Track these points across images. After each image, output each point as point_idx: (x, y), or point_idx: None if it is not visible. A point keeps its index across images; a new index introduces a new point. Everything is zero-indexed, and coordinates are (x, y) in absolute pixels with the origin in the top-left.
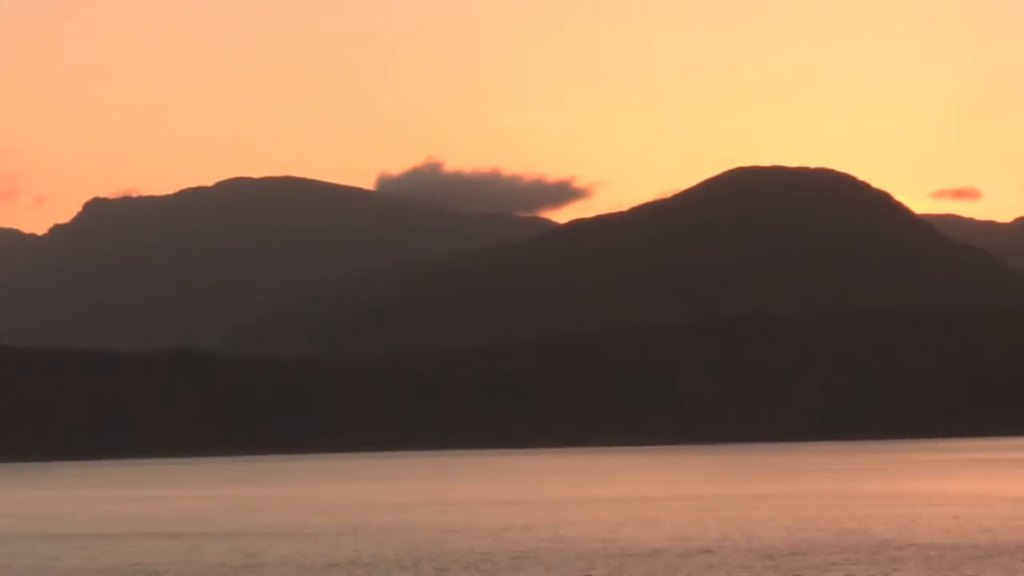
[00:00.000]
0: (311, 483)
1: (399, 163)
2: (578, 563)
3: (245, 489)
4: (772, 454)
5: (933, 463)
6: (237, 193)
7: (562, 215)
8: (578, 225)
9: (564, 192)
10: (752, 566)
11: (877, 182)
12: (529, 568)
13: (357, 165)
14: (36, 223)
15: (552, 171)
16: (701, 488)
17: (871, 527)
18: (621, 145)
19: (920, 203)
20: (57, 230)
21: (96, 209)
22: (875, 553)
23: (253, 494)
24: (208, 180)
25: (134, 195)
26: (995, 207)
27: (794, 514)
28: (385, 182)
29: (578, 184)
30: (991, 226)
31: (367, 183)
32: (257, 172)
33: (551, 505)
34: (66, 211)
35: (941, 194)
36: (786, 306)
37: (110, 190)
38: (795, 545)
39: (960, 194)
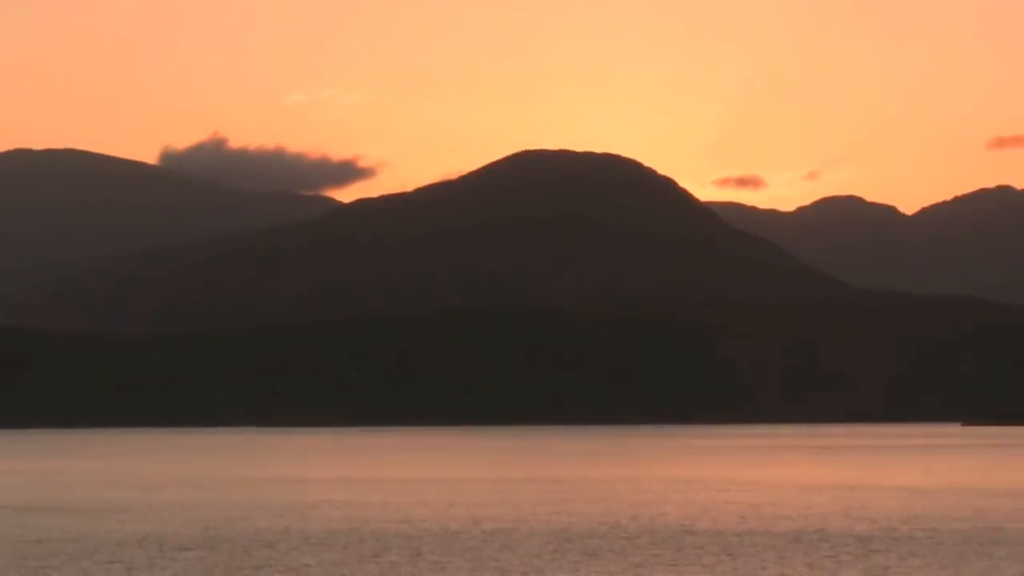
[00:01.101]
0: (115, 456)
1: (183, 138)
2: (374, 544)
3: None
4: (565, 437)
5: (719, 449)
6: (18, 164)
7: (346, 194)
8: (362, 205)
9: (349, 171)
10: (553, 548)
11: (662, 168)
12: (326, 548)
13: (140, 139)
14: None
15: (337, 150)
16: (496, 471)
17: (667, 512)
18: (407, 126)
19: (704, 190)
20: None
21: None
22: (675, 537)
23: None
24: None
25: None
26: (778, 196)
27: (586, 497)
28: (169, 157)
29: (363, 164)
30: (774, 214)
31: (150, 157)
32: (39, 144)
33: (340, 484)
34: None
35: (725, 181)
36: (566, 293)
37: None
38: (594, 528)
39: (743, 182)
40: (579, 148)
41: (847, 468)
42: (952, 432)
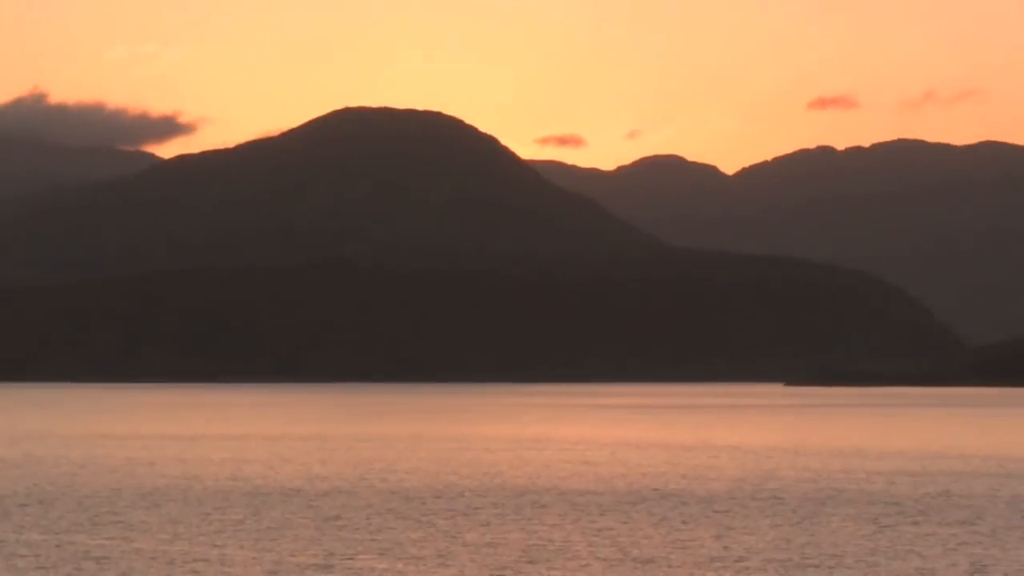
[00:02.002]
0: None
1: (2, 92)
2: (213, 500)
3: None
4: (389, 394)
5: (545, 407)
6: None
7: (167, 150)
8: (182, 161)
9: (169, 127)
10: (394, 508)
11: (484, 126)
12: (164, 505)
13: None
14: None
15: (157, 105)
16: (326, 427)
17: (506, 471)
18: (229, 81)
19: (526, 148)
20: None
21: None
22: (516, 497)
23: None
24: None
25: None
26: (599, 154)
27: (424, 455)
28: None
29: (183, 119)
30: (594, 173)
31: None
32: None
33: (169, 441)
34: None
35: (546, 140)
36: (386, 250)
37: None
38: (436, 487)
39: (564, 140)
40: (401, 105)
41: (677, 427)
42: (775, 392)
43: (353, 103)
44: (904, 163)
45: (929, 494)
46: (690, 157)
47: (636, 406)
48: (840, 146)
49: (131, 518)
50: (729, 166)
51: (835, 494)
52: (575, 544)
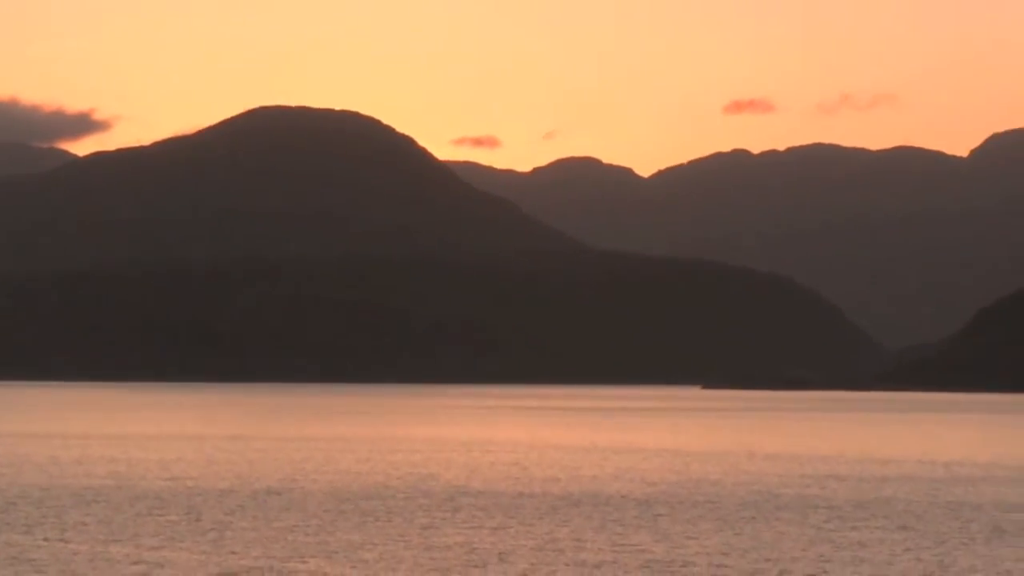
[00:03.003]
0: None
1: None
2: (146, 501)
3: None
4: (300, 395)
5: (462, 409)
6: None
7: (81, 147)
8: (97, 158)
9: (84, 124)
10: (330, 510)
11: (401, 127)
12: (100, 505)
13: None
14: None
15: (72, 102)
16: (253, 428)
17: (437, 473)
18: (144, 79)
19: (442, 149)
20: None
21: None
22: (452, 499)
23: None
24: None
25: None
26: (515, 156)
27: (353, 457)
28: None
29: (98, 116)
30: (511, 175)
31: None
32: None
33: (98, 440)
34: None
35: (462, 141)
36: (281, 249)
37: None
38: (371, 489)
39: (480, 142)
40: (318, 105)
41: (602, 430)
42: (693, 395)
43: (269, 102)
44: (819, 166)
45: (865, 499)
46: (606, 159)
47: (558, 408)
48: (755, 149)
49: (65, 519)
50: (645, 169)
51: (771, 498)
52: (520, 548)
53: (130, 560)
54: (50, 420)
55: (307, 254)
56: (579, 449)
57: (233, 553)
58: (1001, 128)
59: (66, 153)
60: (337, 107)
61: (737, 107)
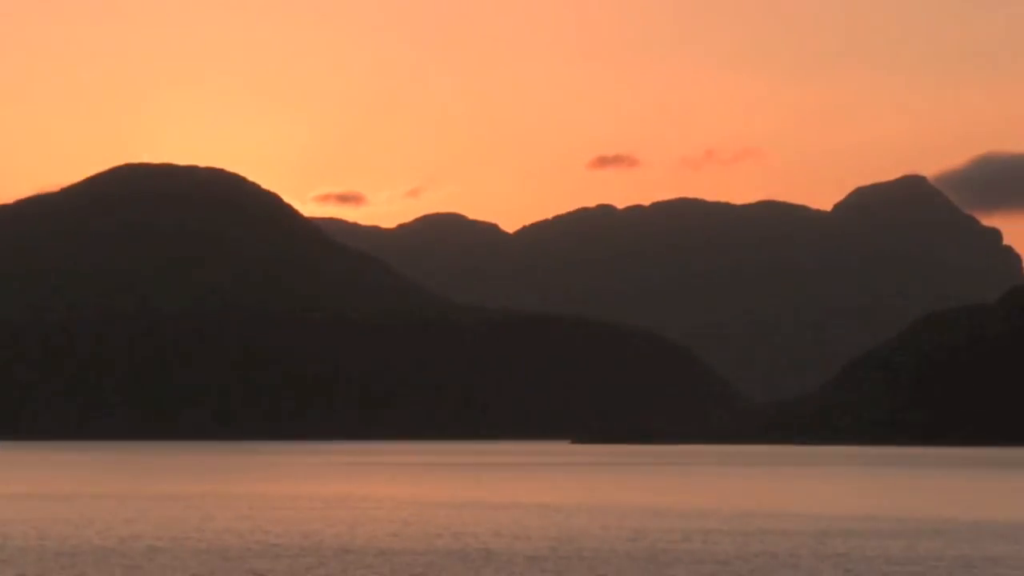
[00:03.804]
0: None
1: None
2: (24, 560)
3: None
4: (178, 453)
5: (337, 465)
6: None
7: None
8: None
9: None
10: (216, 569)
11: (266, 183)
12: None
13: None
14: None
15: None
16: (124, 487)
17: (320, 530)
18: (4, 135)
19: (306, 206)
20: None
21: None
22: (338, 556)
23: None
24: None
25: None
26: (379, 213)
27: (232, 515)
28: None
29: None
30: (376, 231)
31: None
32: None
33: None
34: None
35: (326, 197)
36: (149, 306)
37: None
38: (254, 547)
39: (345, 198)
40: (182, 162)
41: (477, 485)
42: (563, 450)
43: (133, 159)
44: (684, 221)
45: (751, 552)
46: (471, 215)
47: (430, 464)
48: (620, 203)
49: None
50: (510, 224)
51: (658, 553)
52: None
53: None
54: None
55: (171, 309)
56: (457, 505)
57: None
58: (866, 182)
59: None
60: (202, 164)
61: (602, 162)
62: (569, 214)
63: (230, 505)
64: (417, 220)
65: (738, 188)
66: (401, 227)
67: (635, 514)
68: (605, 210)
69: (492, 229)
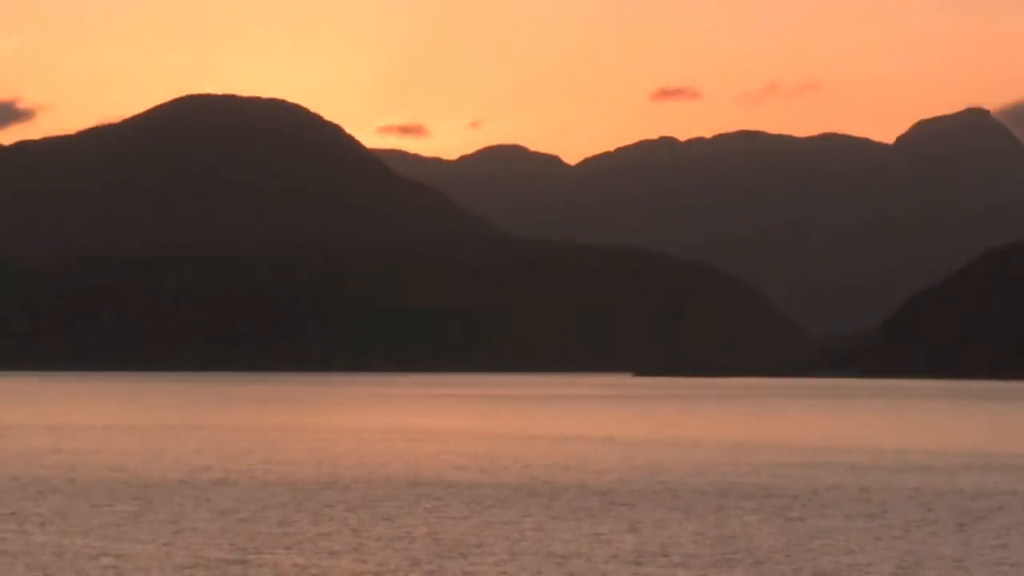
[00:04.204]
0: None
1: None
2: (97, 493)
3: None
4: (232, 383)
5: (403, 398)
6: None
7: (6, 136)
8: (23, 146)
9: (8, 113)
10: (287, 501)
11: (328, 115)
12: (49, 496)
13: None
14: None
15: None
16: (188, 417)
17: (388, 462)
18: (68, 68)
19: (368, 138)
20: None
21: None
22: (408, 489)
23: None
24: None
25: None
26: (442, 145)
27: (297, 447)
28: None
29: (23, 106)
30: (437, 163)
31: None
32: None
33: (38, 431)
34: None
35: (388, 129)
36: (245, 240)
37: None
38: (323, 479)
39: (407, 130)
40: (245, 93)
41: (544, 418)
42: (626, 382)
43: (195, 90)
44: (746, 154)
45: (822, 486)
46: (532, 147)
47: (493, 396)
48: (682, 137)
49: (18, 511)
50: (571, 156)
51: (728, 487)
52: (488, 539)
53: (93, 553)
54: None
55: (237, 242)
56: (524, 438)
57: (196, 545)
58: (927, 115)
59: None
60: (264, 95)
61: (664, 94)
62: (630, 146)
63: (295, 437)
64: (479, 152)
65: (800, 121)
66: (463, 159)
67: (703, 447)
68: (667, 142)
69: (553, 161)
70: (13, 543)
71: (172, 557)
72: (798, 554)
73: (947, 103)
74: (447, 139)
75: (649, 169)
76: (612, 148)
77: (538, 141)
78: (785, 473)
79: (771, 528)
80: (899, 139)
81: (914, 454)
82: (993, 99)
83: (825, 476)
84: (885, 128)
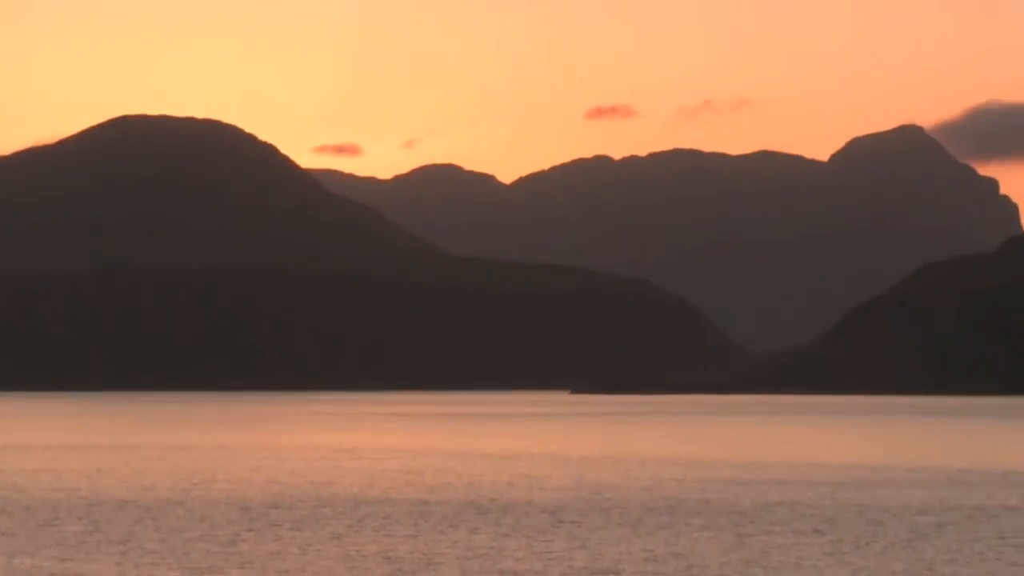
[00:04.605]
0: None
1: None
2: (44, 512)
3: None
4: (165, 403)
5: (340, 416)
6: None
7: None
8: None
9: None
10: (235, 520)
11: (263, 135)
12: None
13: None
14: None
15: None
16: (126, 437)
17: (333, 480)
18: (2, 87)
19: (303, 157)
20: None
21: None
22: (355, 508)
23: None
24: None
25: None
26: (376, 164)
27: (242, 466)
28: None
29: None
30: (372, 182)
31: None
32: None
33: None
34: None
35: (323, 149)
36: (146, 259)
37: None
38: (270, 498)
39: (341, 150)
40: (180, 114)
41: (483, 436)
42: (563, 400)
43: (131, 111)
44: (680, 172)
45: (770, 502)
46: (467, 166)
47: (432, 415)
48: (617, 155)
49: None
50: (506, 175)
51: (676, 504)
52: (439, 556)
53: (43, 573)
54: None
55: (168, 264)
56: (466, 455)
57: (147, 564)
58: (862, 132)
59: None
60: (199, 116)
61: (599, 112)
62: (566, 164)
63: (238, 457)
64: (413, 171)
65: (735, 139)
66: (397, 178)
67: (649, 464)
68: (601, 161)
69: (488, 180)
70: None
71: None
72: (751, 571)
73: (881, 120)
74: (382, 159)
75: (584, 187)
76: (547, 167)
77: (473, 160)
78: (732, 490)
79: (722, 545)
80: (833, 156)
81: (860, 470)
82: (927, 116)
83: (773, 492)
84: (819, 145)
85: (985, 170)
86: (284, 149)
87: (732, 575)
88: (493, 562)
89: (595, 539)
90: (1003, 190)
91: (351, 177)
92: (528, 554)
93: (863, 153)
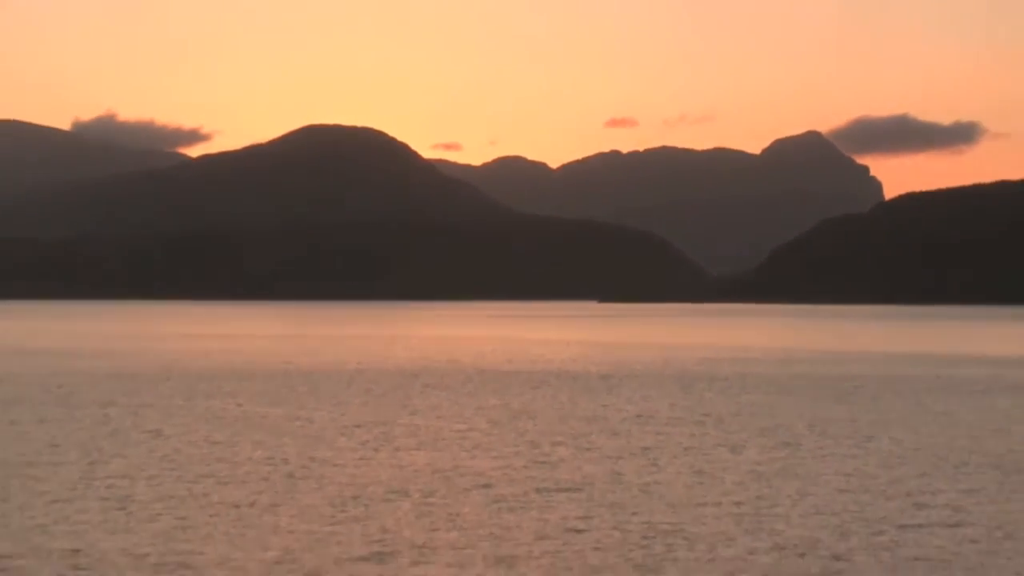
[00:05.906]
0: None
1: None
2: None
3: None
4: (325, 309)
5: (441, 316)
6: None
7: (194, 151)
8: (205, 159)
9: (194, 136)
10: (401, 382)
11: (400, 137)
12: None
13: None
14: None
15: (187, 120)
16: (296, 329)
17: (458, 358)
18: (231, 103)
19: (425, 152)
20: None
21: None
22: (476, 377)
23: None
24: None
25: None
26: (471, 155)
27: (404, 348)
28: None
29: (204, 131)
30: (469, 168)
31: None
32: None
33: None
34: None
35: (436, 146)
36: (329, 217)
37: None
38: (424, 366)
39: (449, 146)
40: (343, 122)
41: (542, 329)
42: (595, 307)
43: (315, 120)
44: (666, 161)
45: (748, 373)
46: (529, 157)
47: (510, 316)
48: (625, 150)
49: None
50: (554, 163)
51: (686, 374)
52: (543, 410)
53: (277, 419)
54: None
55: (339, 219)
56: (541, 342)
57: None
58: (781, 135)
59: (183, 156)
60: (358, 123)
61: (613, 122)
62: (592, 157)
63: (395, 341)
64: (496, 160)
65: (700, 139)
66: (485, 164)
67: (677, 348)
68: (615, 154)
69: (542, 166)
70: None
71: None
72: (749, 415)
73: (793, 126)
74: (475, 152)
75: (604, 172)
76: (580, 157)
77: (533, 153)
78: (723, 365)
79: (725, 400)
80: (763, 151)
81: (799, 352)
82: (823, 124)
83: (743, 366)
84: (754, 143)
85: (861, 160)
86: (413, 146)
87: (727, 415)
88: (575, 410)
89: (639, 397)
90: (872, 173)
91: (455, 165)
92: (593, 407)
93: (783, 150)
